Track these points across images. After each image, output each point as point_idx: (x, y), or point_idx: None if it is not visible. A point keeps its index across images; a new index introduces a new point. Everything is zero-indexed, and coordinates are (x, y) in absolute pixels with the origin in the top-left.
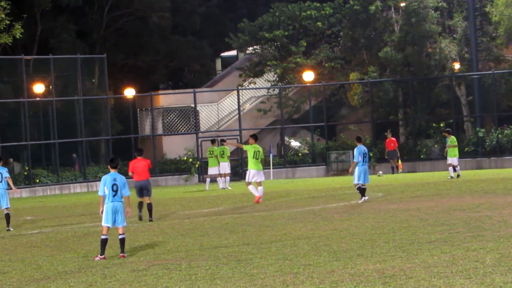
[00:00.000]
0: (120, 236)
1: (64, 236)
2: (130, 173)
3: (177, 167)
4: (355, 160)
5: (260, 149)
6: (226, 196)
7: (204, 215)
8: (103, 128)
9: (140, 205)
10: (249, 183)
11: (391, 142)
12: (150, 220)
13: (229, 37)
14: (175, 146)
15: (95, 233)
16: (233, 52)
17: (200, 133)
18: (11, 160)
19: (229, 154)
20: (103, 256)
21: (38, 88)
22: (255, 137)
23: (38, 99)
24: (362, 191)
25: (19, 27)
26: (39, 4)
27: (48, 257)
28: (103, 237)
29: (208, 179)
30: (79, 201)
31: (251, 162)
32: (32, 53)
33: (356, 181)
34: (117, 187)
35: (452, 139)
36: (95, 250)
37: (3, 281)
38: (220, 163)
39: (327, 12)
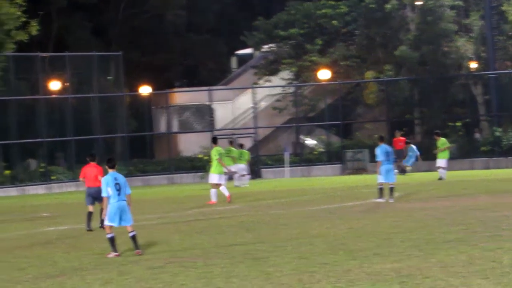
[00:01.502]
0: (131, 234)
1: (80, 233)
2: (81, 179)
3: (193, 165)
4: (377, 160)
5: (222, 151)
6: (240, 194)
7: (219, 213)
8: (118, 125)
9: (90, 215)
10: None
11: (399, 141)
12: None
13: (245, 35)
14: (190, 144)
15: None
16: (248, 50)
17: (215, 131)
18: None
19: (248, 158)
20: (117, 253)
21: (54, 85)
22: (214, 140)
23: (54, 96)
24: (380, 191)
25: (35, 24)
26: (55, 1)
27: (64, 254)
28: (109, 235)
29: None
30: None
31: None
32: (48, 50)
33: (379, 180)
34: (120, 186)
35: (442, 141)
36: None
37: (20, 277)
38: (238, 165)
39: (343, 11)
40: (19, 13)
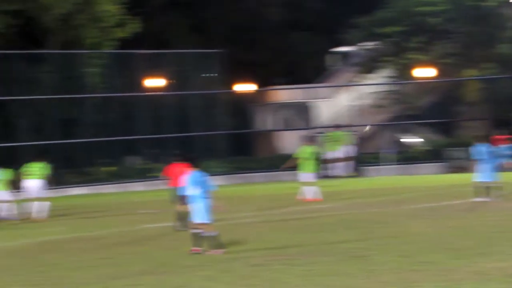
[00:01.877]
0: (208, 233)
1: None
2: (165, 176)
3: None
4: (474, 158)
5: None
6: (338, 193)
7: (318, 211)
8: (218, 123)
9: (180, 214)
10: None
11: (497, 140)
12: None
13: (344, 32)
14: (290, 142)
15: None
16: (347, 48)
17: (316, 129)
18: None
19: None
20: (199, 249)
21: (154, 82)
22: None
23: (153, 93)
24: (479, 190)
25: (136, 21)
26: None
27: (164, 251)
28: (194, 231)
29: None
30: None
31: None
32: (148, 47)
33: (477, 179)
34: (202, 184)
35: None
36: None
37: (123, 273)
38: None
39: (443, 8)
40: (119, 10)
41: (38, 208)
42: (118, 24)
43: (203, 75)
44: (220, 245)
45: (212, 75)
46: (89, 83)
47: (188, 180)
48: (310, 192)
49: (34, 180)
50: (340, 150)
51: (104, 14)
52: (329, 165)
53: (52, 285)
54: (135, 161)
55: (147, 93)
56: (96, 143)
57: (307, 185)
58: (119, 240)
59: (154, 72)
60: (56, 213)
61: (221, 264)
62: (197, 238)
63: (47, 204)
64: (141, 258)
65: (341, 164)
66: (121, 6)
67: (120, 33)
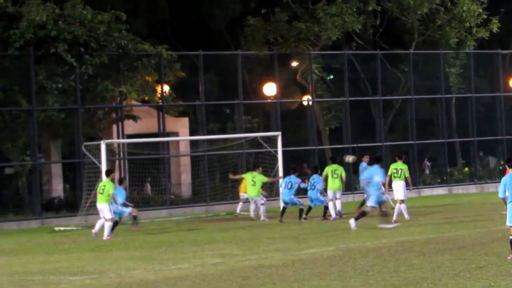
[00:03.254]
0: None
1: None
2: None
3: None
4: None
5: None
6: None
7: None
8: None
9: None
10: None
11: None
12: None
13: None
14: None
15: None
16: None
17: None
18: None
19: None
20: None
21: None
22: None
23: None
24: None
25: (496, 21)
26: None
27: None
28: (510, 237)
29: None
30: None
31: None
32: (508, 47)
33: None
34: None
35: None
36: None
37: (480, 275)
38: None
39: None
40: (480, 10)
41: (404, 210)
42: (480, 24)
43: None
44: None
45: None
46: (449, 83)
47: (503, 182)
48: None
49: (399, 182)
50: None
51: (466, 14)
52: None
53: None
54: (495, 162)
55: (507, 93)
56: (453, 143)
57: None
58: (477, 241)
59: None
60: (416, 213)
61: None
62: None
63: (404, 206)
64: (499, 260)
65: None
66: (483, 6)
67: (481, 33)
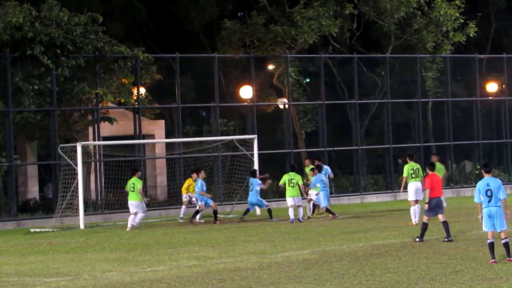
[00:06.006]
0: (503, 241)
1: None
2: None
3: None
4: None
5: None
6: None
7: None
8: None
9: (425, 227)
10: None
11: None
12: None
13: None
14: None
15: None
16: None
17: None
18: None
19: None
20: (494, 260)
21: (491, 87)
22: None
23: (490, 98)
24: None
25: (473, 26)
26: (493, 3)
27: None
28: (488, 241)
29: None
30: None
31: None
32: (485, 52)
33: None
34: (491, 192)
35: None
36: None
37: (456, 279)
38: None
39: None
40: (457, 14)
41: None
42: (456, 28)
43: None
44: None
45: None
46: (426, 87)
47: (478, 187)
48: None
49: (417, 182)
50: None
51: (443, 18)
52: None
53: None
54: (471, 166)
55: (483, 98)
56: (429, 147)
57: None
58: (449, 245)
59: (490, 76)
60: (391, 216)
61: None
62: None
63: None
64: (476, 264)
65: None
66: (460, 11)
67: (458, 37)
